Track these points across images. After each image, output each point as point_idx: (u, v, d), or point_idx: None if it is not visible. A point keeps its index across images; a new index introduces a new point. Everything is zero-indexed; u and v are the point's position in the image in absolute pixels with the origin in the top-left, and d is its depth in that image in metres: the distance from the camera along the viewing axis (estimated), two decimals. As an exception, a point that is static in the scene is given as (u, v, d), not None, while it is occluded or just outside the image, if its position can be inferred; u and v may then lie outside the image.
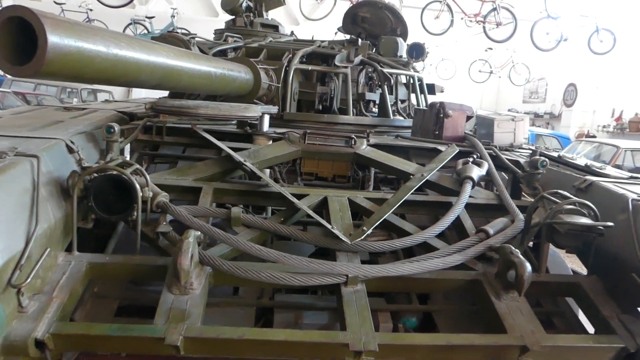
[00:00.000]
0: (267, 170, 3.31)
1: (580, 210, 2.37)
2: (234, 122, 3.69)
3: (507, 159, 3.43)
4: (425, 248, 2.47)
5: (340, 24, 6.09)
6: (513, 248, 2.20)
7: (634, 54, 14.19)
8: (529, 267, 2.08)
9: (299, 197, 2.64)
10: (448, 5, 10.72)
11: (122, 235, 2.57)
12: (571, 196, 2.44)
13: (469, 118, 4.06)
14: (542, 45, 11.88)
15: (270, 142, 3.47)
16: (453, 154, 3.25)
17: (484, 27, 11.12)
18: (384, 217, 2.44)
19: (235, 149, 3.07)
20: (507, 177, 3.56)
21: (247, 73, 3.54)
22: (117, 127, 2.55)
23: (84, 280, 2.01)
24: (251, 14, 5.66)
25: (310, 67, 4.30)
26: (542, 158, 3.04)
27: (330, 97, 4.58)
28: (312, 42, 4.96)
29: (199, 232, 2.07)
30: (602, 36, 11.92)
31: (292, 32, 6.25)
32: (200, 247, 2.16)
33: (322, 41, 5.08)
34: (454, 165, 3.23)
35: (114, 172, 2.08)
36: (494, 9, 10.86)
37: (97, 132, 2.74)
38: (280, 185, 3.17)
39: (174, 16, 15.82)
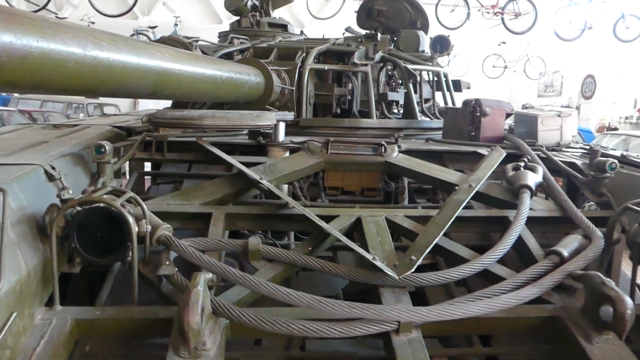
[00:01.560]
0: (285, 187, 2.90)
1: (678, 224, 1.91)
2: (244, 132, 3.28)
3: (560, 161, 2.98)
4: (486, 277, 2.02)
5: (348, 24, 5.67)
6: (604, 277, 1.75)
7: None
8: (630, 302, 1.63)
9: (327, 218, 2.21)
10: (464, -1, 10.28)
11: (119, 277, 2.16)
12: (665, 207, 1.98)
13: (508, 116, 3.61)
14: (564, 35, 11.34)
15: (287, 153, 3.05)
16: (501, 159, 2.80)
17: (502, 19, 10.60)
18: (435, 242, 2.00)
19: (247, 164, 2.66)
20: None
21: (257, 76, 3.12)
22: (108, 146, 2.15)
23: (68, 342, 1.59)
24: (257, 14, 5.25)
25: (326, 67, 3.88)
26: (611, 159, 2.58)
27: (349, 99, 4.16)
28: (325, 40, 4.54)
29: (211, 274, 1.64)
30: (629, 22, 11.35)
31: (301, 32, 5.84)
32: (213, 292, 1.74)
33: (337, 39, 4.65)
34: (500, 171, 2.79)
35: (101, 204, 1.67)
36: (512, -1, 10.40)
37: (86, 153, 2.33)
38: (302, 203, 2.75)
39: (177, 24, 15.52)
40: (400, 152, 3.02)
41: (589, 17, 10.95)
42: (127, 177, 3.06)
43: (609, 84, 17.15)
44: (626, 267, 2.67)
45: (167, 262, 1.80)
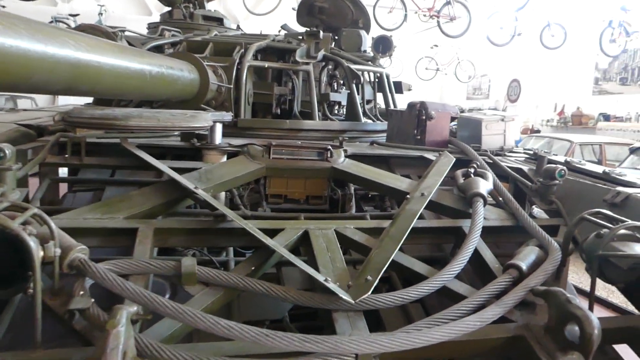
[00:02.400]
0: (223, 195, 2.64)
1: (635, 236, 1.86)
2: (176, 134, 2.98)
3: (507, 166, 2.93)
4: (443, 294, 1.88)
5: (285, 21, 5.46)
6: (567, 293, 1.65)
7: (575, 50, 14.45)
8: (597, 322, 1.54)
9: (271, 232, 1.99)
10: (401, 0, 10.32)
11: (22, 309, 1.82)
12: (622, 218, 1.93)
13: (453, 119, 3.54)
14: (496, 40, 11.74)
15: (225, 157, 2.79)
16: (450, 165, 2.69)
17: (438, 22, 10.78)
18: (391, 258, 1.83)
19: (180, 170, 2.38)
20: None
21: (191, 72, 2.83)
22: (9, 149, 1.81)
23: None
24: (190, 5, 4.91)
25: (267, 64, 3.64)
26: (560, 166, 2.54)
27: (290, 99, 3.94)
28: (264, 36, 4.29)
29: (135, 307, 1.37)
30: (554, 30, 11.93)
31: (238, 26, 5.56)
32: (138, 326, 1.47)
33: (276, 35, 4.42)
34: (449, 177, 2.69)
35: (-7, 225, 1.35)
36: (448, 3, 10.51)
37: (-18, 158, 1.95)
38: (242, 213, 2.50)
39: (101, 14, 14.57)
40: (347, 156, 2.84)
41: (518, 24, 11.41)
42: (36, 186, 2.67)
43: (532, 88, 18.06)
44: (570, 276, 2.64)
45: (82, 293, 1.50)
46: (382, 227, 2.13)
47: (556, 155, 3.43)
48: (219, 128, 2.79)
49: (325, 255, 1.89)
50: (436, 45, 18.41)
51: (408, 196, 2.34)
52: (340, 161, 2.68)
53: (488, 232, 2.30)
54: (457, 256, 1.93)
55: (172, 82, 2.53)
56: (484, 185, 2.42)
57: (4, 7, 15.29)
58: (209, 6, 5.44)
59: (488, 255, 2.09)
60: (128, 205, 2.06)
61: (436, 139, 3.41)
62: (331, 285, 1.63)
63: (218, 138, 2.80)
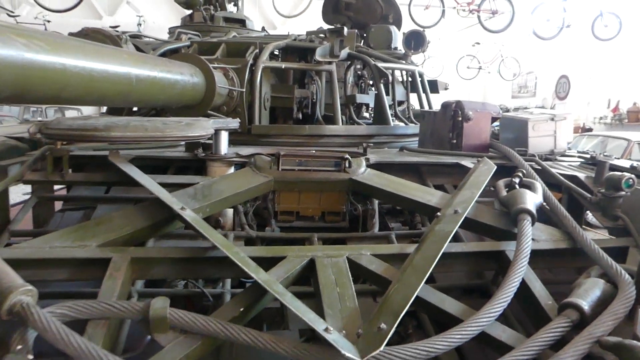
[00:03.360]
0: (230, 211, 2.34)
1: None
2: (182, 143, 2.71)
3: (559, 174, 2.49)
4: (483, 341, 1.50)
5: (321, 24, 5.14)
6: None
7: (629, 42, 13.44)
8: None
9: (270, 261, 1.66)
10: (438, -7, 9.81)
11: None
12: None
13: (494, 120, 3.12)
14: (543, 34, 10.99)
15: (232, 169, 2.50)
16: (490, 174, 2.28)
17: (478, 17, 10.17)
18: (414, 298, 1.46)
19: (178, 186, 2.10)
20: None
21: (194, 75, 2.55)
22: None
23: None
24: (211, 7, 4.68)
25: (283, 65, 3.33)
26: (627, 174, 2.09)
27: (312, 102, 3.62)
28: (284, 36, 3.99)
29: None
30: (607, 20, 11.07)
31: (263, 28, 5.29)
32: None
33: (299, 35, 4.11)
34: (489, 188, 2.28)
35: None
36: (489, -5, 9.96)
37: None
38: (246, 234, 2.19)
39: (140, 24, 14.74)
40: (368, 166, 2.48)
41: (566, 15, 10.64)
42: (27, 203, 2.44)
43: (582, 84, 17.03)
44: None
45: (20, 346, 1.22)
46: (407, 252, 1.76)
47: (618, 158, 2.95)
48: (224, 136, 2.50)
49: (332, 291, 1.54)
50: (478, 43, 17.67)
51: (439, 213, 1.95)
52: (361, 172, 2.32)
53: (538, 257, 1.89)
54: (499, 292, 1.54)
55: (169, 86, 2.25)
56: (532, 199, 2.00)
57: (48, 21, 15.76)
58: (248, 14, 5.19)
59: (538, 288, 1.69)
60: (105, 229, 1.78)
61: (474, 142, 3.00)
62: (333, 337, 1.28)
63: (224, 147, 2.50)
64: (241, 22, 4.72)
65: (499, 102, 21.77)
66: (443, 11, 9.86)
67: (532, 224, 1.89)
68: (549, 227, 2.06)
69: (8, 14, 13.97)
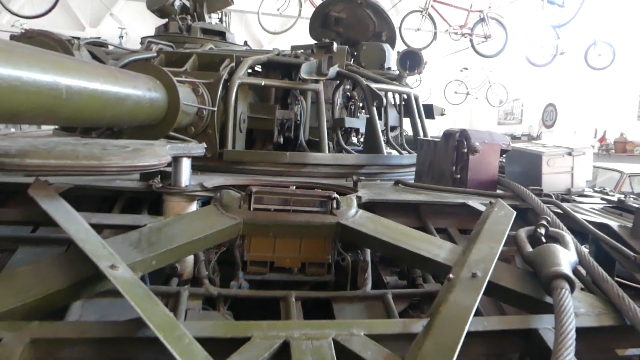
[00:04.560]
0: (191, 259, 1.88)
1: None
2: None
3: (586, 221, 2.09)
4: None
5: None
6: None
7: (618, 72, 13.38)
8: None
9: (229, 345, 1.21)
10: (430, 16, 9.50)
11: None
12: None
13: (503, 153, 2.72)
14: (536, 60, 10.80)
15: (194, 205, 2.04)
16: (510, 222, 1.87)
17: (471, 41, 9.92)
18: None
19: (122, 228, 1.66)
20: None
21: (153, 89, 2.11)
22: None
23: None
24: (188, 17, 4.27)
25: (263, 82, 2.91)
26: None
27: (296, 125, 3.20)
28: (268, 51, 3.59)
29: None
30: (600, 49, 10.92)
31: (245, 42, 4.89)
32: None
33: (283, 50, 3.70)
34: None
35: None
36: (482, 20, 9.66)
37: None
38: (205, 291, 1.73)
39: (122, 36, 14.30)
40: (360, 204, 2.06)
41: (560, 42, 10.48)
42: None
43: (569, 113, 16.96)
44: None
45: None
46: (413, 332, 1.32)
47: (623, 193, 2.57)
48: (185, 165, 2.05)
49: (312, 396, 1.09)
50: (466, 68, 17.55)
51: (451, 275, 1.52)
52: (351, 214, 1.89)
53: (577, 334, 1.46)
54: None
55: (115, 102, 1.80)
56: (566, 258, 1.59)
57: (26, 30, 15.20)
58: (236, 32, 4.79)
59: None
60: (12, 290, 1.31)
61: (481, 178, 2.60)
62: None
63: (185, 178, 2.06)
64: (221, 35, 4.32)
65: (484, 128, 21.69)
66: (435, 34, 9.61)
67: (572, 292, 1.48)
68: (585, 294, 1.65)
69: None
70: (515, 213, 1.93)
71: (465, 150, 2.57)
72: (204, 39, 4.07)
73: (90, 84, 1.65)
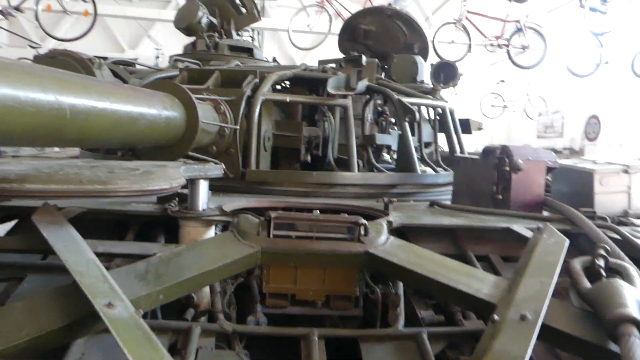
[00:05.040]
0: (207, 290, 1.74)
1: None
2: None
3: (650, 249, 1.84)
4: None
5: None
6: None
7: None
8: None
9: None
10: (464, 28, 9.23)
11: None
12: None
13: (549, 170, 2.49)
14: (578, 71, 10.34)
15: (212, 231, 1.91)
16: (563, 252, 1.64)
17: (507, 52, 9.59)
18: None
19: (131, 258, 1.53)
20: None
21: (170, 107, 1.99)
22: None
23: None
24: (216, 35, 4.20)
25: (288, 98, 2.78)
26: None
27: (324, 142, 3.05)
28: (294, 66, 3.47)
29: None
30: (648, 57, 10.37)
31: (274, 59, 4.81)
32: None
33: (310, 65, 3.57)
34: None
35: None
36: (519, 30, 9.31)
37: None
38: (220, 327, 1.58)
39: (158, 57, 14.59)
40: (392, 230, 1.88)
41: (603, 51, 9.98)
42: None
43: (614, 125, 16.22)
44: None
45: None
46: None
47: None
48: (202, 187, 1.92)
49: None
50: (502, 81, 17.09)
51: (496, 316, 1.32)
52: (381, 241, 1.71)
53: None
54: None
55: (126, 121, 1.69)
56: (633, 296, 1.36)
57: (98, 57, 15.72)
58: (266, 50, 4.73)
59: None
60: (9, 328, 1.19)
61: (526, 199, 2.37)
62: None
63: (202, 202, 1.93)
64: (249, 51, 4.23)
65: (523, 142, 21.04)
66: (469, 46, 9.33)
67: (641, 339, 1.25)
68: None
69: (31, 46, 13.88)
70: (568, 241, 1.71)
71: (507, 168, 2.35)
72: (231, 55, 3.99)
73: (99, 103, 1.54)
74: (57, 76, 1.41)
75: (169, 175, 1.63)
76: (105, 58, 3.36)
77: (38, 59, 2.59)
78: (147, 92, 1.93)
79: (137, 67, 3.79)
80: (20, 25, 17.42)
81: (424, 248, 1.96)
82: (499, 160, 2.38)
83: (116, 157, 2.91)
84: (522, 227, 2.05)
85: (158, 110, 1.90)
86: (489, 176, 2.42)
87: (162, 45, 18.06)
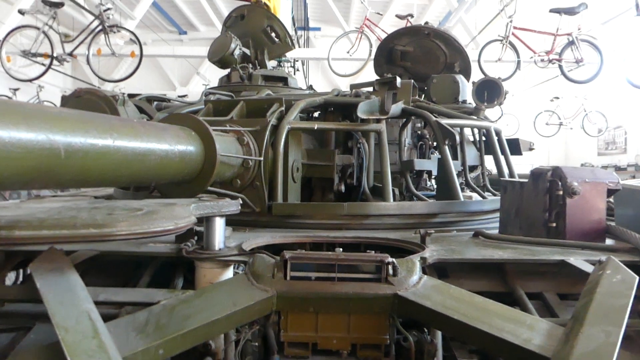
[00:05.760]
0: (221, 339, 1.59)
1: None
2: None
3: None
4: None
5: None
6: None
7: None
8: None
9: None
10: (512, 45, 8.82)
11: None
12: None
13: (611, 193, 2.19)
14: (639, 82, 9.61)
15: (230, 272, 1.77)
16: (633, 292, 1.37)
17: (560, 67, 9.06)
18: None
19: (140, 305, 1.41)
20: None
21: (184, 141, 1.89)
22: None
23: None
24: (250, 65, 4.17)
25: (316, 126, 2.64)
26: None
27: (359, 170, 2.88)
28: (325, 93, 3.34)
29: None
30: None
31: (310, 87, 4.72)
32: None
33: (343, 91, 3.44)
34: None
35: None
36: (572, 43, 8.79)
37: None
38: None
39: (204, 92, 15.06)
40: (426, 267, 1.67)
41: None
42: None
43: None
44: None
45: None
46: None
47: None
48: (218, 225, 1.79)
49: None
50: (557, 98, 16.35)
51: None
52: (412, 282, 1.50)
53: None
54: None
55: (133, 159, 1.59)
56: None
57: (124, 94, 16.52)
58: (313, 78, 4.69)
59: None
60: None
61: (584, 227, 2.09)
62: None
63: (218, 240, 1.79)
64: (283, 80, 4.17)
65: (583, 160, 19.97)
66: (518, 62, 8.93)
67: None
68: None
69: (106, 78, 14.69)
70: (638, 278, 1.43)
71: (561, 192, 2.08)
72: (264, 85, 3.93)
73: (99, 140, 1.44)
74: (50, 114, 1.33)
75: (176, 215, 1.51)
76: (135, 95, 3.38)
77: (65, 99, 2.60)
78: (159, 126, 1.84)
79: (172, 102, 3.79)
80: (82, 70, 18.53)
81: (467, 285, 1.74)
82: (550, 184, 2.12)
83: (147, 194, 2.85)
84: (580, 260, 1.78)
85: (171, 145, 1.80)
86: (540, 202, 2.15)
87: (210, 80, 18.67)
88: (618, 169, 18.52)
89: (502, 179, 2.78)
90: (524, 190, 2.26)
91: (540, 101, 16.95)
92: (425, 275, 1.55)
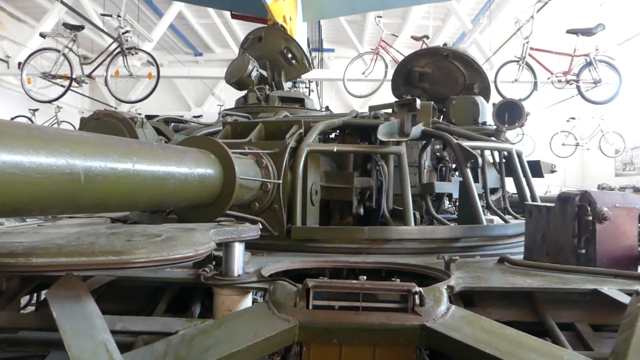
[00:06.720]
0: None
1: None
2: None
3: None
4: None
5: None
6: None
7: None
8: None
9: None
10: (528, 65, 8.80)
11: None
12: None
13: (643, 218, 2.11)
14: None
15: (249, 299, 1.72)
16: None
17: (578, 87, 8.99)
18: None
19: (157, 335, 1.37)
20: None
21: (203, 164, 1.87)
22: None
23: None
24: (266, 87, 4.17)
25: (335, 148, 2.60)
26: None
27: (378, 193, 2.83)
28: (344, 114, 3.32)
29: None
30: None
31: (327, 107, 4.71)
32: None
33: (362, 112, 3.41)
34: None
35: None
36: (589, 64, 8.74)
37: None
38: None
39: (220, 113, 15.20)
40: (452, 295, 1.60)
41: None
42: None
43: None
44: None
45: None
46: None
47: None
48: (237, 251, 1.75)
49: None
50: (573, 118, 16.19)
51: (594, 421, 1.00)
52: (440, 312, 1.44)
53: None
54: None
55: (153, 183, 1.57)
56: None
57: (140, 114, 16.74)
58: (326, 99, 4.71)
59: None
60: None
61: (616, 253, 2.01)
62: None
63: (237, 266, 1.74)
64: (300, 102, 4.16)
65: (600, 181, 19.66)
66: (535, 83, 8.87)
67: None
68: None
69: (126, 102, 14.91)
70: (681, 312, 1.36)
71: (590, 217, 2.01)
72: (281, 107, 3.92)
73: (119, 165, 1.42)
74: (70, 137, 1.31)
75: (196, 241, 1.47)
76: (155, 116, 3.38)
77: (84, 121, 2.60)
78: (179, 149, 1.81)
79: (191, 124, 3.80)
80: (99, 91, 18.88)
81: (495, 314, 1.68)
82: (579, 209, 2.05)
83: (164, 216, 2.83)
84: (614, 290, 1.70)
85: (190, 168, 1.78)
86: (568, 227, 2.08)
87: (225, 101, 18.87)
88: (637, 190, 18.19)
89: (526, 202, 2.70)
90: (551, 214, 2.19)
91: (556, 121, 16.81)
92: (454, 305, 1.49)
